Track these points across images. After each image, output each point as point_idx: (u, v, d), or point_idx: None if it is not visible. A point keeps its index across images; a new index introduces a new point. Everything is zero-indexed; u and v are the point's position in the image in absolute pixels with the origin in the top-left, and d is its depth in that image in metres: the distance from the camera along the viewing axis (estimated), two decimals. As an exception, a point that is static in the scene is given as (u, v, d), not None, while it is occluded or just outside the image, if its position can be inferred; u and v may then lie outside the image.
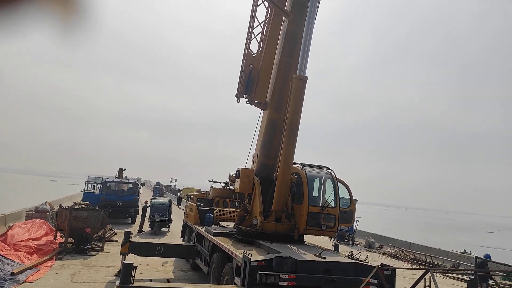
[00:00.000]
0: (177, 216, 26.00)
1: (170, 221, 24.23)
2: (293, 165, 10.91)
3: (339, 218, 10.94)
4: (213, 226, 13.13)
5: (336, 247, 12.77)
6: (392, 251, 25.22)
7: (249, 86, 12.00)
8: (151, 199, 26.99)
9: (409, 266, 20.21)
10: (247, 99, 12.18)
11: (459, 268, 20.13)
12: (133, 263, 8.54)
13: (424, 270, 8.05)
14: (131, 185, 28.10)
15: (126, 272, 8.16)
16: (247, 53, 11.97)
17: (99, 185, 29.06)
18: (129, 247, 12.47)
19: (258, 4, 11.51)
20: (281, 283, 7.74)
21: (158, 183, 66.58)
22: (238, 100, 12.29)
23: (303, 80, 10.02)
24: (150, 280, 12.14)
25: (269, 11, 11.46)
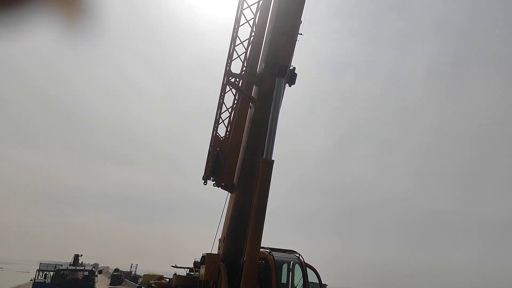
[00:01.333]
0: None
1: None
2: (261, 250, 10.62)
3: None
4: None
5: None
6: None
7: (216, 169, 12.04)
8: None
9: None
10: (214, 182, 12.13)
11: None
12: None
13: None
14: (86, 273, 26.20)
15: None
16: (215, 136, 12.20)
17: (52, 273, 26.92)
18: None
19: (226, 91, 12.01)
20: None
21: (116, 270, 62.49)
22: (205, 183, 12.23)
23: (270, 163, 10.19)
24: None
25: (237, 98, 11.95)
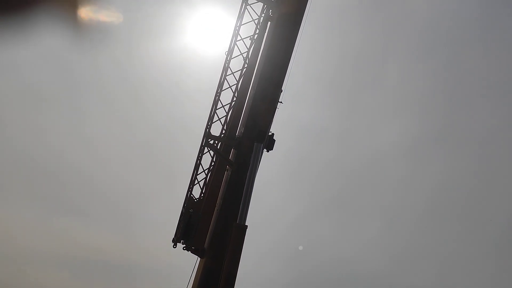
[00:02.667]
0: None
1: None
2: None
3: None
4: None
5: None
6: None
7: (188, 232, 11.67)
8: None
9: None
10: (184, 245, 11.70)
11: None
12: None
13: None
14: None
15: None
16: (189, 198, 11.97)
17: None
18: None
19: (204, 152, 12.01)
20: None
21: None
22: (175, 246, 11.78)
23: (243, 228, 9.99)
24: None
25: (214, 160, 11.93)
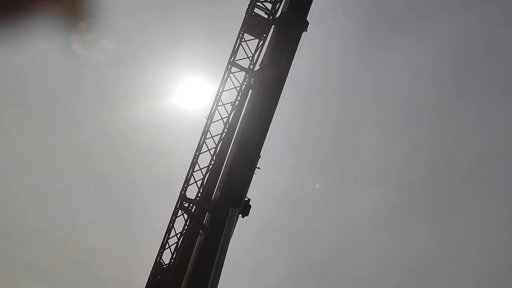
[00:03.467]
0: None
1: None
2: None
3: None
4: None
5: None
6: None
7: (154, 300, 11.01)
8: None
9: None
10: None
11: None
12: None
13: None
14: None
15: None
16: (158, 263, 11.45)
17: None
18: None
19: (178, 215, 11.72)
20: None
21: None
22: (139, 315, 11.02)
23: (213, 298, 9.49)
24: None
25: (187, 224, 11.62)
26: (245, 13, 12.72)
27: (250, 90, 12.12)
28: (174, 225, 11.71)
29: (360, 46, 34.29)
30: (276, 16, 12.22)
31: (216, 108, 12.26)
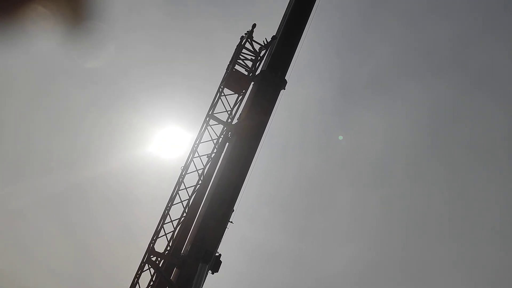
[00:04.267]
0: None
1: None
2: None
3: None
4: None
5: None
6: None
7: None
8: None
9: None
10: None
11: None
12: None
13: None
14: None
15: None
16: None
17: None
18: None
19: (144, 269, 11.19)
20: None
21: None
22: None
23: None
24: None
25: (154, 279, 11.08)
26: (226, 69, 13.07)
27: (227, 143, 12.17)
28: (139, 281, 11.15)
29: (337, 104, 35.47)
30: (256, 74, 12.59)
31: (191, 160, 12.18)
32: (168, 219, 11.56)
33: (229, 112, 12.46)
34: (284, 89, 12.45)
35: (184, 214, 11.64)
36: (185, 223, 11.43)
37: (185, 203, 11.79)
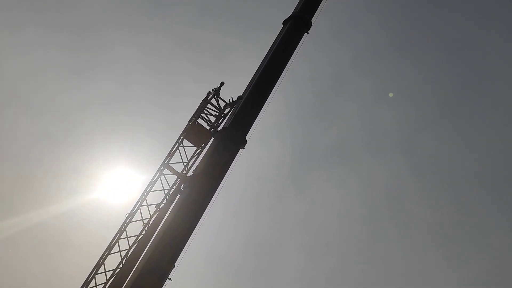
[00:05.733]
0: None
1: None
2: None
3: None
4: None
5: None
6: None
7: None
8: None
9: None
10: None
11: None
12: None
13: None
14: None
15: None
16: None
17: None
18: None
19: None
20: None
21: None
22: None
23: None
24: None
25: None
26: (189, 121, 13.06)
27: (178, 195, 11.82)
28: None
29: (294, 169, 36.00)
30: (218, 130, 12.64)
31: (139, 207, 11.69)
32: (102, 269, 10.79)
33: (185, 163, 12.25)
34: (244, 148, 12.50)
35: (121, 266, 10.92)
36: (119, 275, 10.68)
37: (123, 253, 11.12)
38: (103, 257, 10.91)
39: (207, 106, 12.98)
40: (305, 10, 14.27)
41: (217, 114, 12.95)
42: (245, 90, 13.44)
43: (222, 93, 13.13)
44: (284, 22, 14.38)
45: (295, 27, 14.13)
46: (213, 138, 12.59)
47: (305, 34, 14.30)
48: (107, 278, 10.68)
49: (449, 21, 36.41)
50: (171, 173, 12.04)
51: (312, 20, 14.36)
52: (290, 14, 14.38)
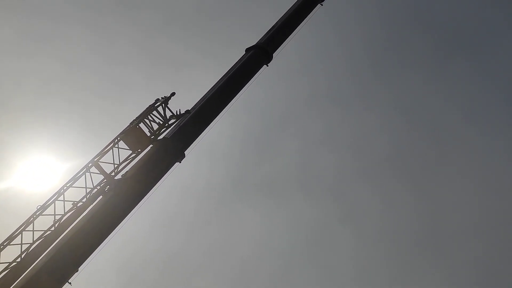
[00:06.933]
0: None
1: None
2: None
3: None
4: None
5: None
6: None
7: None
8: None
9: None
10: None
11: None
12: None
13: None
14: None
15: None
16: None
17: None
18: None
19: None
20: None
21: None
22: None
23: None
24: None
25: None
26: (130, 123, 12.57)
27: (101, 197, 11.17)
28: None
29: (224, 195, 35.72)
30: (158, 138, 12.28)
31: (53, 202, 10.86)
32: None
33: (116, 165, 11.68)
34: (180, 162, 12.21)
35: (19, 259, 9.97)
36: (14, 269, 9.71)
37: (25, 246, 10.18)
38: (0, 247, 9.90)
39: (153, 112, 12.62)
40: (269, 43, 14.60)
41: (161, 122, 12.61)
42: (194, 105, 13.29)
43: (170, 103, 12.88)
44: (247, 50, 14.60)
45: (256, 58, 14.37)
46: (151, 145, 12.19)
47: (265, 65, 14.60)
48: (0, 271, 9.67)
49: (389, 86, 38.86)
50: (98, 172, 11.40)
51: (275, 54, 14.72)
52: (255, 43, 14.65)
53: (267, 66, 14.67)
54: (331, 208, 35.22)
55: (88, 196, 11.08)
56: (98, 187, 11.26)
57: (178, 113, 12.76)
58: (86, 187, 11.16)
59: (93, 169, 11.37)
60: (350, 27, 39.02)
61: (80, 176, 11.24)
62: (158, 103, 12.83)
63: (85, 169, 11.29)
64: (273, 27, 15.16)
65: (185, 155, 12.25)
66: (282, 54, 14.96)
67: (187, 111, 12.87)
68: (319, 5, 16.25)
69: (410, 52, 38.57)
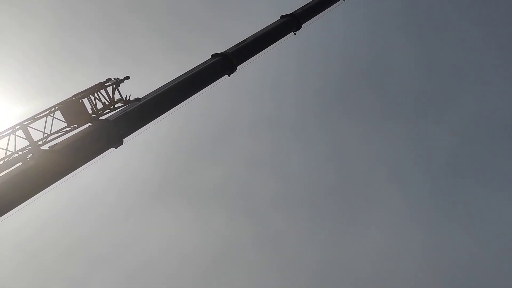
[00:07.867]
0: None
1: None
2: None
3: None
4: None
5: None
6: None
7: None
8: None
9: None
10: None
11: None
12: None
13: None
14: None
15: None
16: None
17: None
18: None
19: None
20: None
21: None
22: None
23: None
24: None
25: None
26: (73, 95, 11.80)
27: (20, 163, 10.23)
28: None
29: (153, 192, 34.67)
30: (99, 118, 11.62)
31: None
32: None
33: (46, 134, 10.83)
34: (116, 149, 11.60)
35: None
36: None
37: None
38: None
39: (101, 91, 11.97)
40: (237, 55, 14.56)
41: (107, 103, 11.98)
42: (146, 95, 12.79)
43: (122, 87, 12.31)
44: (213, 56, 14.44)
45: (220, 65, 14.23)
46: (89, 124, 11.50)
47: (227, 75, 14.49)
48: None
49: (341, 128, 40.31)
50: (25, 137, 10.48)
51: (239, 67, 14.69)
52: (224, 50, 14.55)
53: (229, 76, 14.58)
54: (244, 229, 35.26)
55: (5, 160, 10.11)
56: (20, 153, 10.33)
57: (127, 98, 12.20)
58: (7, 150, 10.19)
59: (20, 133, 10.44)
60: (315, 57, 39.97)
61: (4, 137, 10.25)
62: (109, 83, 12.20)
63: (11, 130, 10.32)
64: (244, 40, 15.17)
65: (124, 142, 11.68)
66: (246, 68, 14.98)
67: (137, 99, 12.34)
68: (292, 33, 16.68)
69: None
